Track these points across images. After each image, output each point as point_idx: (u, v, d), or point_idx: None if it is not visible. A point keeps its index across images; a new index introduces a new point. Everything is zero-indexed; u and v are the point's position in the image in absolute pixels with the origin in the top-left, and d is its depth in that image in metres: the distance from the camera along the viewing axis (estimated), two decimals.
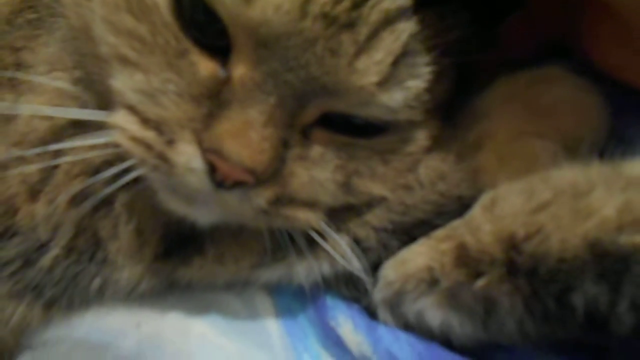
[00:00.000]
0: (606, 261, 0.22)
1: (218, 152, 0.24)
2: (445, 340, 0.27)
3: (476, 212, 0.26)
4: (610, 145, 0.26)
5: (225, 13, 0.23)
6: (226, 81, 0.25)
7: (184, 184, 0.25)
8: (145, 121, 0.25)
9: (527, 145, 0.27)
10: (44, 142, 0.30)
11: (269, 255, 0.30)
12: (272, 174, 0.25)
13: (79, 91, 0.32)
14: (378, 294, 0.29)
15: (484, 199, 0.26)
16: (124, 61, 0.25)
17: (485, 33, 0.29)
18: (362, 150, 0.27)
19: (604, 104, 0.27)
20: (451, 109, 0.30)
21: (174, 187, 0.26)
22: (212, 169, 0.24)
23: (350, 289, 0.31)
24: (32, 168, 0.31)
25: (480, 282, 0.24)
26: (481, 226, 0.25)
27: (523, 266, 0.23)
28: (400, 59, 0.25)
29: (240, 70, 0.24)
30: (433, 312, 0.26)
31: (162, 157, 0.25)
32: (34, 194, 0.32)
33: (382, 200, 0.29)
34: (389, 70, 0.24)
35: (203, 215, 0.28)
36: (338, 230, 0.29)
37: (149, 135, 0.25)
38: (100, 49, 0.26)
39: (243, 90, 0.24)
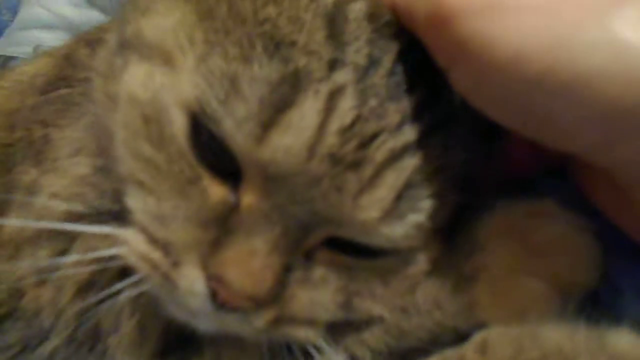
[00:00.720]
0: None
1: (220, 279, 0.25)
2: None
3: (468, 352, 0.26)
4: (603, 288, 0.26)
5: (237, 150, 0.24)
6: (235, 207, 0.26)
7: (185, 304, 0.26)
8: (154, 241, 0.26)
9: (520, 285, 0.27)
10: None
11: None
12: (272, 298, 0.26)
13: (99, 180, 0.33)
14: None
15: (476, 338, 0.26)
16: (140, 185, 0.27)
17: (488, 150, 0.30)
18: (364, 271, 0.28)
19: (597, 246, 0.27)
20: (453, 227, 0.31)
21: (177, 303, 0.27)
22: (214, 293, 0.25)
23: None
24: (43, 254, 0.33)
25: None
26: None
27: None
28: (402, 193, 0.26)
29: (248, 198, 0.25)
30: None
31: (167, 278, 0.26)
32: (42, 279, 0.33)
33: (380, 320, 0.29)
34: (391, 206, 0.25)
35: (204, 326, 0.28)
36: (336, 344, 0.29)
37: (156, 255, 0.26)
38: (119, 167, 0.28)
39: (250, 219, 0.25)
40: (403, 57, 0.26)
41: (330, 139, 0.24)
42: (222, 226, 0.25)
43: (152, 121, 0.26)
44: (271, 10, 0.25)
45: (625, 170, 0.24)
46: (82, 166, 0.34)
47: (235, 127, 0.24)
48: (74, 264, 0.31)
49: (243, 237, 0.25)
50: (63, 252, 0.33)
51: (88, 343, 0.32)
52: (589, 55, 0.20)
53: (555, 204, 0.29)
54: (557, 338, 0.24)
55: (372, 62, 0.25)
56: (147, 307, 0.31)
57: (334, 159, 0.24)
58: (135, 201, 0.27)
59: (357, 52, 0.25)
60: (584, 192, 0.29)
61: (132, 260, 0.27)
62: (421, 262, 0.29)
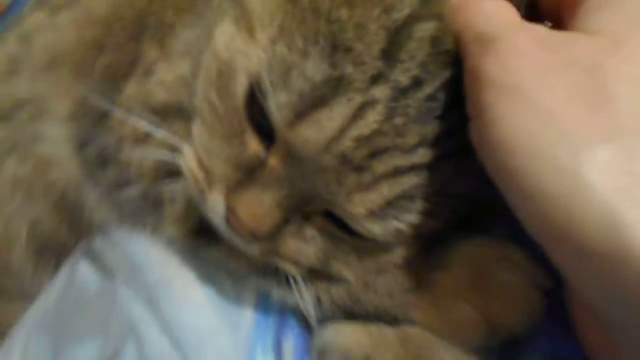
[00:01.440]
0: None
1: (233, 211, 0.32)
2: None
3: (390, 332, 0.32)
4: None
5: (275, 124, 0.30)
6: (263, 163, 0.32)
7: (208, 215, 0.34)
8: (200, 163, 0.34)
9: (458, 307, 0.32)
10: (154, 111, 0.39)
11: (259, 271, 0.39)
12: (268, 237, 0.33)
13: (188, 87, 0.38)
14: (315, 342, 0.38)
15: (401, 329, 0.32)
16: (202, 120, 0.34)
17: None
18: (346, 244, 0.34)
19: (541, 305, 0.30)
20: (439, 241, 0.35)
21: (204, 211, 0.35)
22: (227, 218, 0.33)
23: (305, 324, 0.40)
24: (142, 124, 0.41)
25: None
26: (386, 351, 0.31)
27: None
28: (392, 202, 0.29)
29: (273, 161, 0.31)
30: None
31: (201, 192, 0.34)
32: (138, 140, 0.41)
33: (347, 283, 0.36)
34: (378, 209, 0.30)
35: (225, 236, 0.36)
36: (310, 285, 0.37)
37: (199, 174, 0.34)
38: (194, 97, 0.35)
39: (269, 176, 0.31)
40: (450, 85, 0.28)
41: (346, 143, 0.28)
42: (248, 173, 0.32)
43: (223, 77, 0.32)
44: (343, 13, 0.27)
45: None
46: (185, 68, 0.40)
47: (275, 108, 0.29)
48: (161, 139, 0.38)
49: (259, 188, 0.31)
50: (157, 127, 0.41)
51: (153, 202, 0.42)
52: (553, 178, 0.22)
53: (524, 256, 0.32)
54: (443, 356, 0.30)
55: (415, 84, 0.27)
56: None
57: (343, 159, 0.28)
58: (197, 129, 0.34)
59: (405, 71, 0.27)
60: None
61: (184, 169, 0.35)
62: (395, 255, 0.34)
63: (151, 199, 0.42)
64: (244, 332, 0.41)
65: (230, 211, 0.32)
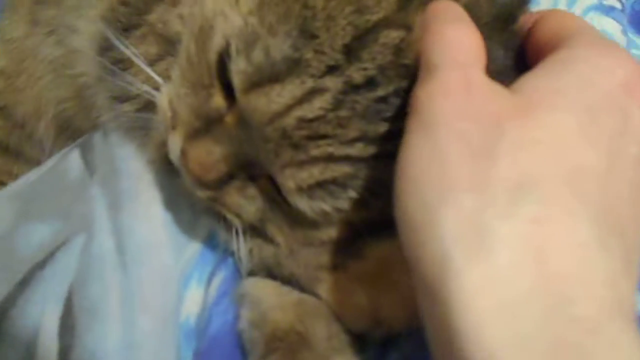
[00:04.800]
0: None
1: (185, 155, 0.34)
2: None
3: (294, 297, 0.34)
4: None
5: (235, 87, 0.31)
6: (222, 117, 0.33)
7: (169, 151, 0.36)
8: (170, 104, 0.35)
9: (354, 294, 0.33)
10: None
11: (213, 212, 0.41)
12: (213, 186, 0.34)
13: None
14: (239, 287, 0.40)
15: (304, 295, 0.34)
16: (180, 65, 0.35)
17: None
18: (282, 211, 0.35)
19: None
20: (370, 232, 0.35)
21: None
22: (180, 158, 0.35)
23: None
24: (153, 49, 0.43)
25: (256, 333, 0.34)
26: (279, 310, 0.34)
27: (265, 352, 0.32)
28: (323, 184, 0.31)
29: (230, 119, 0.33)
30: (244, 321, 0.37)
31: (166, 129, 0.36)
32: (149, 61, 0.43)
33: (277, 245, 0.38)
34: (306, 187, 0.31)
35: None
36: (248, 238, 0.38)
37: (168, 113, 0.35)
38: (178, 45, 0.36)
39: (222, 132, 0.33)
40: (406, 94, 0.28)
41: (289, 120, 0.29)
42: (207, 124, 0.33)
43: (203, 33, 0.33)
44: (319, 3, 0.28)
45: None
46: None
47: (235, 73, 0.30)
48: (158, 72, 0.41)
49: (212, 140, 0.33)
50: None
51: (143, 123, 0.43)
52: (419, 209, 0.23)
53: None
54: (319, 329, 0.32)
55: (368, 84, 0.28)
56: None
57: (284, 134, 0.30)
58: (174, 72, 0.36)
59: (361, 70, 0.28)
60: None
61: (158, 104, 0.37)
62: (322, 233, 0.35)
63: (142, 120, 0.44)
64: (187, 257, 0.43)
65: (183, 155, 0.34)
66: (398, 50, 0.28)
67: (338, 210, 0.32)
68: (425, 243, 0.22)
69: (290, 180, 0.31)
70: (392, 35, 0.28)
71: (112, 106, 0.47)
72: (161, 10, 0.44)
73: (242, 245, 0.38)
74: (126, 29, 0.45)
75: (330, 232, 0.35)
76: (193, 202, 0.43)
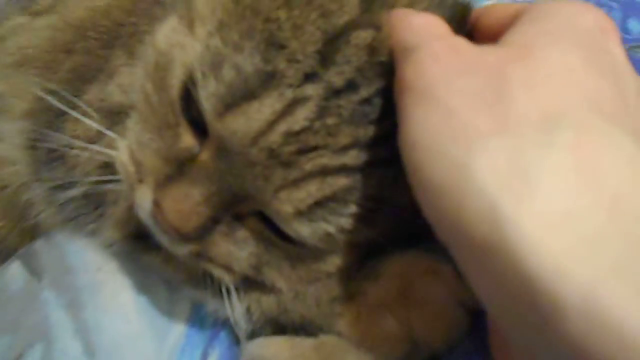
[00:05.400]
0: None
1: (159, 205, 0.29)
2: None
3: (309, 342, 0.29)
4: None
5: (205, 116, 0.28)
6: (194, 158, 0.29)
7: (137, 211, 0.31)
8: (132, 157, 0.31)
9: (381, 320, 0.29)
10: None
11: (195, 280, 0.35)
12: (195, 237, 0.30)
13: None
14: (242, 356, 0.34)
15: (319, 338, 0.29)
16: (138, 112, 0.32)
17: None
18: (279, 250, 0.31)
19: (463, 325, 0.28)
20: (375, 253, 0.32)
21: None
22: (153, 214, 0.30)
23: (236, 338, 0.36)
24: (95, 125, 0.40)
25: None
26: (299, 357, 0.28)
27: None
28: (322, 202, 0.27)
29: (204, 155, 0.29)
30: None
31: (131, 187, 0.31)
32: (89, 140, 0.39)
33: (279, 292, 0.33)
34: (305, 209, 0.27)
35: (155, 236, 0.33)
36: (243, 296, 0.33)
37: (131, 169, 0.31)
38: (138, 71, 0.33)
39: (199, 171, 0.29)
40: (387, 93, 0.27)
41: (274, 137, 0.26)
42: (179, 167, 0.29)
43: (160, 69, 0.30)
44: (282, 14, 0.27)
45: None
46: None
47: (205, 98, 0.27)
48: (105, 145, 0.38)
49: (187, 182, 0.29)
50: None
51: (95, 203, 0.39)
52: (446, 171, 0.21)
53: (453, 272, 0.30)
54: None
55: (349, 87, 0.27)
56: None
57: (271, 154, 0.26)
58: (131, 121, 0.32)
59: (339, 74, 0.26)
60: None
61: (117, 163, 0.32)
62: (328, 264, 0.31)
63: (93, 200, 0.40)
64: (171, 343, 0.36)
65: (156, 206, 0.30)
66: (371, 49, 0.27)
67: (341, 230, 0.28)
68: (465, 202, 0.20)
69: (286, 204, 0.27)
70: (363, 36, 0.27)
71: (54, 198, 0.42)
72: (96, 87, 0.42)
73: (236, 306, 0.33)
74: (57, 116, 0.41)
75: (336, 261, 0.31)
76: (169, 278, 0.38)
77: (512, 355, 0.26)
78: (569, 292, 0.18)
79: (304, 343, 0.30)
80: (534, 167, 0.20)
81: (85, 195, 0.40)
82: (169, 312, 0.38)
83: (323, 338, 0.29)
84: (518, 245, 0.19)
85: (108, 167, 0.37)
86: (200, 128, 0.29)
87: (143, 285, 0.38)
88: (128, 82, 0.40)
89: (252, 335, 0.34)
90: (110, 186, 0.38)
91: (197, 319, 0.38)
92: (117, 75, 0.41)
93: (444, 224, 0.22)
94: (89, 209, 0.40)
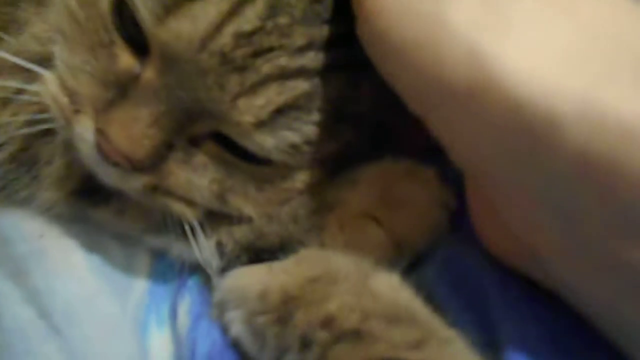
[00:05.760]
0: (305, 341, 0.23)
1: (104, 133, 0.27)
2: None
3: (288, 261, 0.28)
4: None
5: (144, 26, 0.26)
6: (136, 78, 0.27)
7: (78, 148, 0.29)
8: (64, 88, 0.28)
9: (364, 226, 0.29)
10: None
11: (155, 226, 0.33)
12: (149, 166, 0.27)
13: None
14: (215, 295, 0.32)
15: (298, 254, 0.28)
16: (63, 35, 0.29)
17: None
18: (242, 173, 0.29)
19: (444, 223, 0.28)
20: (346, 165, 0.32)
21: (75, 146, 0.30)
22: (99, 145, 0.27)
23: (206, 280, 0.34)
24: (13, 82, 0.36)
25: (262, 318, 0.27)
26: (280, 274, 0.27)
27: (283, 319, 0.26)
28: (283, 110, 0.26)
29: (148, 73, 0.27)
30: (236, 324, 0.29)
31: (68, 121, 0.28)
32: (5, 103, 0.35)
33: (249, 220, 0.31)
34: (267, 117, 0.26)
35: (102, 177, 0.30)
36: (210, 231, 0.31)
37: (64, 100, 0.28)
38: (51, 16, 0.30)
39: (143, 91, 0.26)
40: None
41: (225, 39, 0.25)
42: (120, 91, 0.27)
43: None
44: None
45: (478, 168, 0.23)
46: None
47: (141, 4, 0.25)
48: (32, 94, 0.35)
49: (133, 104, 0.26)
50: (27, 83, 0.36)
51: (27, 165, 0.35)
52: (419, 25, 0.21)
53: (435, 174, 0.30)
54: (338, 264, 0.26)
55: None
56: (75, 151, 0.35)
57: (224, 58, 0.25)
58: (57, 49, 0.29)
59: None
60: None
61: (46, 99, 0.29)
62: (297, 181, 0.30)
63: (24, 161, 0.36)
64: (134, 300, 0.34)
65: (101, 135, 0.27)
66: None
67: (306, 141, 0.27)
68: (444, 52, 0.20)
69: (246, 113, 0.26)
70: None
71: None
72: (5, 45, 0.37)
73: (204, 243, 0.31)
74: None
75: (304, 177, 0.30)
76: (124, 231, 0.35)
77: (493, 216, 0.26)
78: (564, 105, 0.18)
79: (285, 262, 0.28)
80: (507, 3, 0.20)
81: (14, 158, 0.36)
82: (126, 268, 0.35)
83: (304, 252, 0.28)
84: (504, 78, 0.19)
85: (36, 126, 0.34)
86: (138, 46, 0.27)
87: (94, 243, 0.35)
88: (42, 29, 0.36)
89: (224, 272, 0.32)
90: (43, 146, 0.35)
91: (160, 272, 0.36)
92: (28, 27, 0.37)
93: (423, 85, 0.22)
94: (20, 171, 0.36)
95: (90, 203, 0.35)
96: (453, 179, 0.30)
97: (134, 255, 0.36)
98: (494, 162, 0.21)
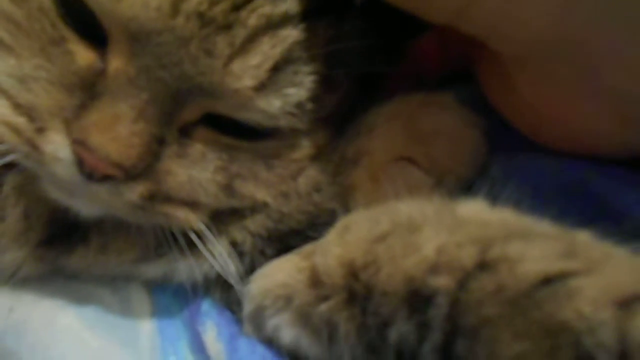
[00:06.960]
0: (415, 300, 0.20)
1: (84, 143, 0.22)
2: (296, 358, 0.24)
3: (331, 234, 0.24)
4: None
5: (98, 9, 0.22)
6: (102, 72, 0.23)
7: (52, 173, 0.23)
8: (17, 106, 0.23)
9: (400, 172, 0.26)
10: None
11: (151, 251, 0.28)
12: (144, 169, 0.23)
13: None
14: (245, 307, 0.27)
15: (340, 222, 0.24)
16: (4, 41, 0.24)
17: (390, 47, 0.28)
18: (246, 153, 0.26)
19: (483, 142, 0.26)
20: (348, 120, 0.29)
21: (50, 177, 0.24)
22: (80, 161, 0.23)
23: (226, 296, 0.29)
24: None
25: (325, 306, 0.22)
26: (331, 249, 0.23)
27: (359, 295, 0.21)
28: (281, 66, 0.23)
29: (115, 63, 0.23)
30: (286, 330, 0.24)
31: (32, 145, 0.23)
32: None
33: (264, 206, 0.27)
34: (267, 76, 0.23)
35: (85, 207, 0.26)
36: (218, 232, 0.27)
37: (20, 121, 0.23)
38: None
39: (116, 84, 0.22)
40: None
41: None
42: (88, 91, 0.23)
43: None
44: None
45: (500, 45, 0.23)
46: None
47: None
48: None
49: (108, 101, 0.22)
50: None
51: None
52: None
53: (452, 98, 0.28)
54: (408, 210, 0.22)
55: None
56: (31, 195, 0.28)
57: (203, 19, 0.22)
58: None
59: None
60: (482, 89, 0.27)
61: None
62: (305, 147, 0.27)
63: None
64: (145, 343, 0.29)
65: (80, 146, 0.22)
66: None
67: (311, 98, 0.25)
68: None
69: (244, 77, 0.23)
70: None
71: None
72: None
73: (217, 248, 0.26)
74: None
75: (313, 140, 0.27)
76: (112, 270, 0.30)
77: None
78: None
79: (327, 237, 0.24)
80: None
81: None
82: (125, 314, 0.30)
83: (346, 219, 0.24)
84: None
85: None
86: (94, 36, 0.23)
87: (81, 297, 0.30)
88: None
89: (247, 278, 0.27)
90: None
91: (163, 307, 0.31)
92: None
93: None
94: None
95: (64, 250, 0.29)
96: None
97: (129, 296, 0.31)
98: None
